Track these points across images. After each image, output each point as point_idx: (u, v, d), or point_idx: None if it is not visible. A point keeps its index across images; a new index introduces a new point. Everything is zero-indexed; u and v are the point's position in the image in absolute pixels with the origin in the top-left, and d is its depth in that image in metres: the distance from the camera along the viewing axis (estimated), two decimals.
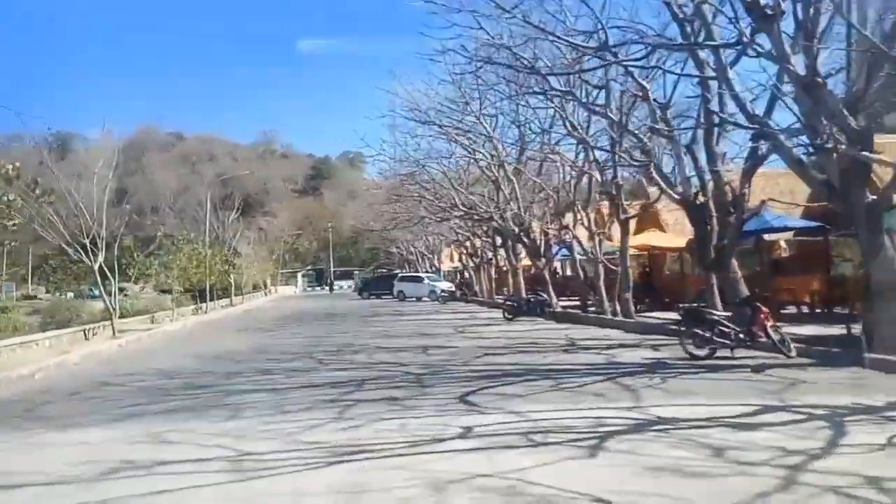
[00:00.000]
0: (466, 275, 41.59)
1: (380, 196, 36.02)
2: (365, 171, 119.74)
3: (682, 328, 10.99)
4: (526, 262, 29.44)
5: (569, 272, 31.13)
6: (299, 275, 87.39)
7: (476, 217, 27.58)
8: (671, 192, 12.98)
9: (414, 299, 42.31)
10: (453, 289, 39.96)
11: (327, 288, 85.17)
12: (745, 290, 12.45)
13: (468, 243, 36.16)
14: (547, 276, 23.44)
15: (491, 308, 29.75)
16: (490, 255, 33.63)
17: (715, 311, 10.90)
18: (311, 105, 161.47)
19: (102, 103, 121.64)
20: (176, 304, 34.80)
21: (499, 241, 30.65)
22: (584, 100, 16.63)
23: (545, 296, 22.24)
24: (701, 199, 12.66)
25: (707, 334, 10.53)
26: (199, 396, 9.12)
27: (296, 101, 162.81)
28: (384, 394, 8.62)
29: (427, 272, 48.38)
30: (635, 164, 13.67)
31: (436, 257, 51.30)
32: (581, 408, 7.22)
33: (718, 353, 10.55)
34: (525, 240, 23.81)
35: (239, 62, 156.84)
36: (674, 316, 17.71)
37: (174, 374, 11.68)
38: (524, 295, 25.51)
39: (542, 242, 23.69)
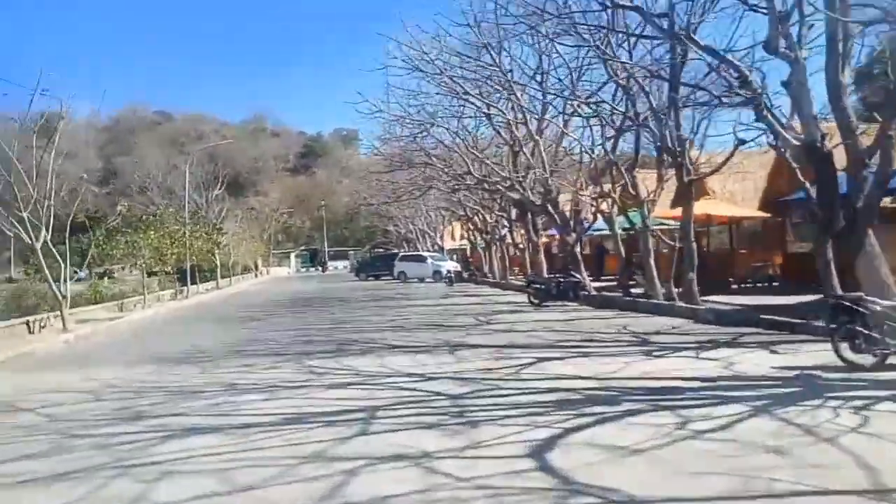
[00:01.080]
0: (474, 253, 38.16)
1: (378, 166, 32.25)
2: (359, 148, 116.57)
3: (834, 325, 7.67)
4: (542, 238, 26.24)
5: (587, 249, 27.87)
6: (292, 255, 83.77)
7: (489, 187, 24.12)
8: (788, 135, 9.55)
9: (416, 281, 38.99)
10: (459, 269, 36.61)
11: (320, 268, 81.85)
12: (885, 269, 9.12)
13: (476, 218, 32.64)
14: (579, 254, 20.09)
15: (506, 291, 26.45)
16: (503, 230, 30.20)
17: (880, 301, 7.57)
18: (302, 81, 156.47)
19: (88, 81, 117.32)
20: (160, 287, 31.42)
21: (513, 214, 27.29)
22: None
23: (578, 277, 18.92)
24: (828, 145, 9.25)
25: (876, 335, 7.24)
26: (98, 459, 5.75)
27: (286, 77, 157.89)
28: (408, 443, 5.24)
29: (429, 251, 44.93)
30: (735, 99, 10.17)
31: (438, 235, 47.78)
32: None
33: (890, 361, 7.29)
34: (552, 211, 20.40)
35: (227, 40, 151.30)
36: (744, 300, 14.56)
37: (104, 394, 8.31)
38: (547, 275, 22.29)
39: (573, 214, 20.33)
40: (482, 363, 9.05)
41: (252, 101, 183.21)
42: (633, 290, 17.88)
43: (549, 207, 20.39)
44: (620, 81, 15.49)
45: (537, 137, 20.03)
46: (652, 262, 16.46)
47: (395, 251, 55.09)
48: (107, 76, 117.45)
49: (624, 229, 24.74)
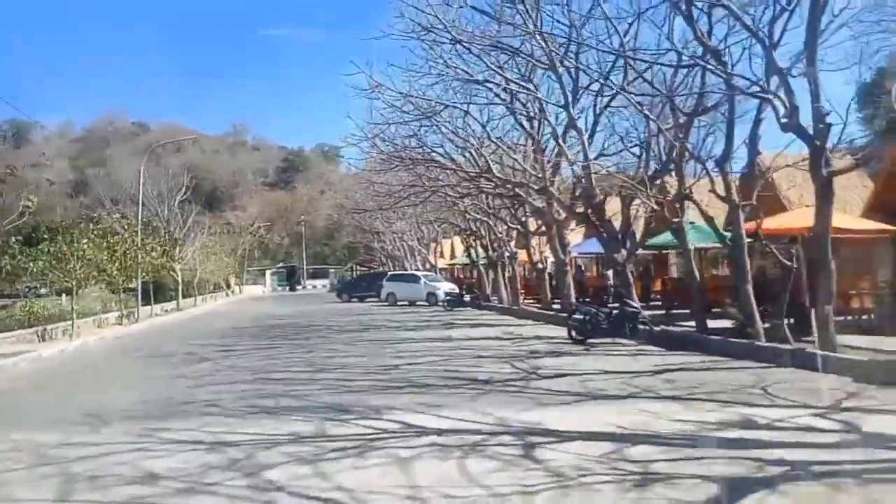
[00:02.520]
0: (474, 273, 33.44)
1: (362, 177, 27.42)
2: (342, 162, 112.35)
3: None
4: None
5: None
6: (268, 273, 78.49)
7: (509, 191, 19.58)
8: None
9: (406, 304, 34.26)
10: (456, 291, 31.98)
11: (295, 287, 76.68)
12: None
13: (481, 231, 28.00)
14: (630, 276, 15.61)
15: (522, 319, 21.86)
16: (512, 246, 25.66)
17: None
18: (283, 96, 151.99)
19: (62, 91, 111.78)
20: (110, 307, 26.29)
21: (531, 225, 22.88)
22: None
23: (634, 305, 14.42)
24: None
25: None
26: None
27: (267, 91, 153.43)
28: None
29: (419, 270, 40.21)
30: None
31: (430, 252, 43.11)
32: None
33: None
34: (596, 221, 15.91)
35: (207, 52, 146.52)
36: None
37: None
38: (576, 301, 17.83)
39: (623, 224, 15.91)
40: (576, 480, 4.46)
41: (232, 114, 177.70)
42: (708, 324, 13.42)
43: (593, 216, 15.92)
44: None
45: (579, 124, 15.59)
46: (749, 287, 12.02)
47: (381, 270, 50.38)
48: (82, 87, 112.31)
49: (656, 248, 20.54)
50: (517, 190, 19.31)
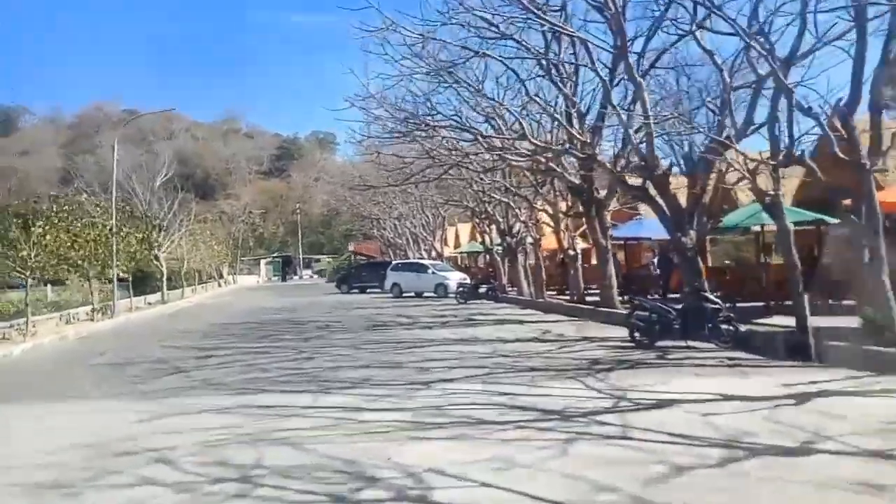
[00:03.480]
0: (489, 261, 30.40)
1: (374, 143, 24.33)
2: (338, 149, 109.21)
3: None
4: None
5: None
6: (262, 262, 75.47)
7: (542, 164, 16.52)
8: None
9: (412, 295, 31.33)
10: (468, 281, 29.03)
11: (291, 276, 73.70)
12: None
13: (496, 214, 24.90)
14: (701, 264, 12.68)
15: (550, 314, 18.99)
16: (534, 231, 22.67)
17: None
18: (276, 83, 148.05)
19: (52, 77, 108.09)
20: (97, 299, 23.27)
21: (562, 205, 19.91)
22: None
23: (713, 299, 11.51)
24: None
25: None
26: None
27: (261, 78, 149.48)
28: None
29: (425, 258, 37.21)
30: None
31: (436, 239, 40.04)
32: None
33: None
34: (658, 196, 12.95)
35: (201, 38, 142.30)
36: None
37: None
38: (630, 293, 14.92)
39: (689, 202, 12.95)
40: None
41: (225, 101, 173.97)
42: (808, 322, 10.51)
43: (654, 190, 12.96)
44: None
45: (640, 79, 12.54)
46: (886, 278, 9.13)
47: (382, 259, 47.41)
48: (72, 75, 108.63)
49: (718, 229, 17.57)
50: (551, 164, 16.29)
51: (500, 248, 28.06)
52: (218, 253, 46.88)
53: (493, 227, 26.27)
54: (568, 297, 21.38)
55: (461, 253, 43.09)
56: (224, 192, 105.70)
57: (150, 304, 31.12)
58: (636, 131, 13.46)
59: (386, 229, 49.85)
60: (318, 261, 79.79)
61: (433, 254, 39.37)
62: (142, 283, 33.60)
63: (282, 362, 11.16)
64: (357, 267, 42.26)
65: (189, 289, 41.69)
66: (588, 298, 20.12)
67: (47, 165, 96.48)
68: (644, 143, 12.66)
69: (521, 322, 17.15)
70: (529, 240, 23.16)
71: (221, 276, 56.42)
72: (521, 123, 15.55)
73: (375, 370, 9.94)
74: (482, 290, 25.51)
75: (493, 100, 16.01)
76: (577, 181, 16.72)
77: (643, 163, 12.88)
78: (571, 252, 19.71)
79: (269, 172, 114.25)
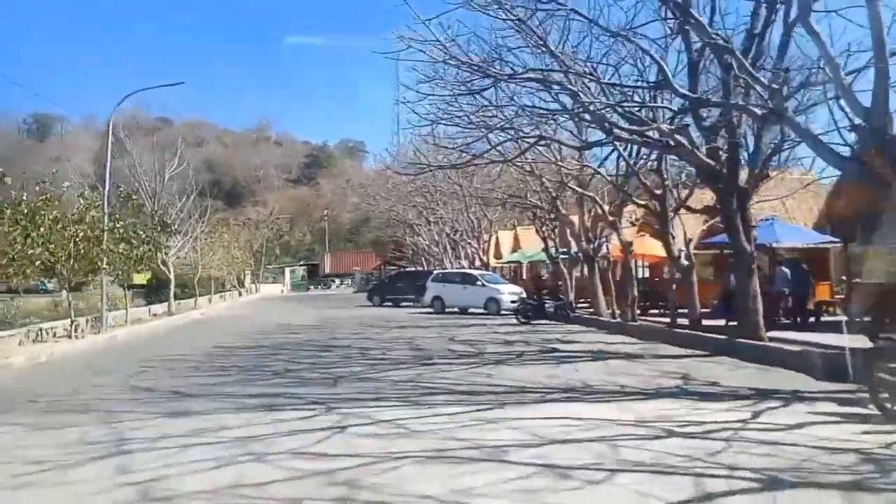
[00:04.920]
0: (555, 272, 25.40)
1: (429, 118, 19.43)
2: (366, 160, 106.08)
3: None
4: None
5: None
6: (287, 271, 71.52)
7: (662, 140, 11.60)
8: None
9: (456, 310, 26.64)
10: (523, 295, 24.26)
11: (321, 286, 69.57)
12: None
13: (568, 214, 20.03)
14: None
15: (651, 342, 14.16)
16: (622, 235, 17.79)
17: None
18: (307, 92, 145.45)
19: (86, 85, 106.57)
20: (72, 311, 19.12)
21: (673, 196, 15.03)
22: None
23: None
24: None
25: None
26: None
27: (292, 89, 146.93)
28: None
29: (470, 269, 32.45)
30: None
31: (482, 247, 35.24)
32: None
33: None
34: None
35: (233, 52, 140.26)
36: None
37: None
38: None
39: None
40: None
41: (256, 110, 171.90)
42: None
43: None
44: None
45: None
46: None
47: (420, 269, 42.76)
48: (105, 82, 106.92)
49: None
50: (678, 136, 11.48)
51: (564, 256, 23.27)
52: (238, 259, 42.76)
53: (567, 229, 21.30)
54: (668, 321, 16.53)
55: (506, 263, 38.22)
56: (252, 199, 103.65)
57: (154, 315, 26.94)
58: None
59: (420, 235, 45.31)
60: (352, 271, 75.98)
61: (476, 263, 34.65)
62: (157, 292, 29.71)
63: (293, 437, 6.52)
64: (391, 277, 37.77)
65: (204, 298, 37.65)
66: (680, 321, 15.36)
67: (79, 171, 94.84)
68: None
69: (629, 357, 12.34)
70: (613, 245, 18.28)
71: (242, 285, 52.38)
72: (662, 67, 10.64)
73: (464, 468, 5.28)
74: (549, 307, 20.60)
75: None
76: (711, 162, 11.88)
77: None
78: (685, 262, 14.79)
79: (298, 180, 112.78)
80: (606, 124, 11.44)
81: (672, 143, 11.69)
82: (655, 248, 21.05)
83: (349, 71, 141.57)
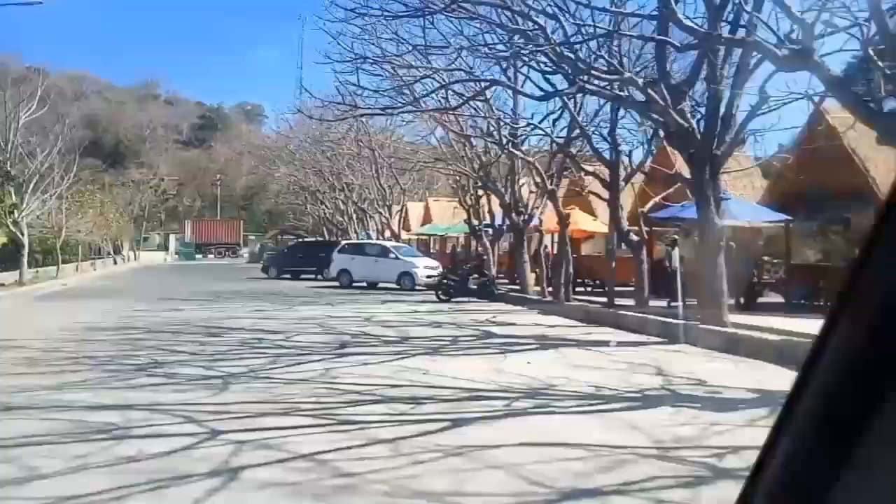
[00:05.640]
0: (478, 247, 23.35)
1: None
2: (264, 124, 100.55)
3: None
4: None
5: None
6: (172, 238, 65.87)
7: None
8: None
9: (365, 285, 24.21)
10: (439, 270, 22.21)
11: (213, 256, 64.65)
12: None
13: (498, 184, 18.02)
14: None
15: (597, 326, 12.55)
16: (560, 205, 16.01)
17: None
18: (201, 49, 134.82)
19: None
20: None
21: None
22: None
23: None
24: None
25: None
26: None
27: (186, 44, 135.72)
28: None
29: (383, 240, 29.94)
30: None
31: (394, 217, 32.71)
32: None
33: None
34: None
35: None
36: None
37: None
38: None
39: None
40: None
41: (144, 66, 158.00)
42: None
43: None
44: None
45: None
46: None
47: (323, 239, 39.75)
48: None
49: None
50: (653, 93, 9.64)
51: (489, 230, 21.40)
52: (113, 223, 37.95)
53: (498, 199, 19.13)
54: (604, 300, 15.02)
55: (416, 236, 35.99)
56: (137, 160, 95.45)
57: (2, 285, 22.64)
58: None
59: (324, 203, 42.17)
60: (246, 240, 70.94)
61: (386, 234, 32.23)
62: (13, 258, 25.09)
63: (155, 498, 4.06)
64: (291, 247, 34.55)
65: (72, 266, 32.93)
66: (619, 301, 13.95)
67: None
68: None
69: (580, 344, 10.57)
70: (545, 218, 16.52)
71: (119, 252, 47.07)
72: None
73: None
74: (472, 285, 18.59)
75: None
76: (685, 123, 10.17)
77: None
78: (635, 237, 13.19)
79: (189, 143, 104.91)
80: (578, 65, 9.37)
81: (646, 98, 9.84)
82: (585, 222, 19.65)
83: (246, 29, 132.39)
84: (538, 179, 15.98)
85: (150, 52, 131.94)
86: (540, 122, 14.86)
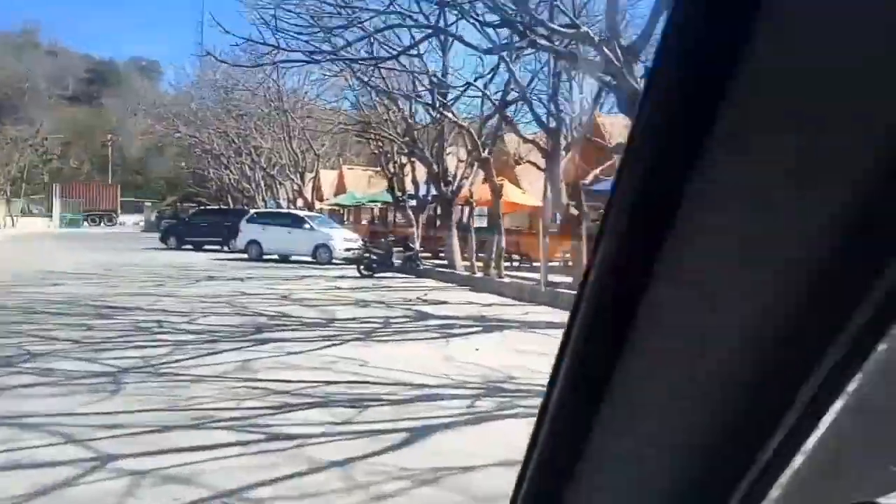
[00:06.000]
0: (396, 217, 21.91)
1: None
2: (161, 81, 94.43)
3: None
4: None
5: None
6: (56, 202, 60.41)
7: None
8: None
9: (276, 258, 22.51)
10: (359, 242, 20.89)
11: (102, 223, 59.83)
12: None
13: (425, 150, 16.87)
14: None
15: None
16: (492, 174, 15.09)
17: None
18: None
19: None
20: None
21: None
22: None
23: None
24: None
25: None
26: None
27: None
28: None
29: (295, 209, 28.01)
30: None
31: (305, 185, 30.71)
32: None
33: None
34: None
35: None
36: None
37: None
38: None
39: None
40: None
41: (21, 10, 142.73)
42: None
43: None
44: None
45: None
46: None
47: (229, 207, 37.16)
48: None
49: None
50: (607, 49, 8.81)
51: (412, 201, 20.23)
52: None
53: (424, 167, 17.93)
54: (537, 277, 14.35)
55: (334, 206, 34.21)
56: (14, 115, 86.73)
57: None
58: None
59: (229, 168, 39.39)
60: (141, 206, 65.81)
61: (299, 203, 30.31)
62: None
63: None
64: (193, 215, 31.93)
65: None
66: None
67: None
68: None
69: (525, 326, 9.76)
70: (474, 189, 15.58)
71: None
72: None
73: None
74: (396, 260, 17.35)
75: None
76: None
77: None
78: (574, 211, 12.49)
79: (76, 98, 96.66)
80: (533, 17, 8.33)
81: (601, 58, 8.99)
82: (514, 195, 18.95)
83: None
84: (469, 147, 14.97)
85: None
86: (475, 81, 13.79)
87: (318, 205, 32.80)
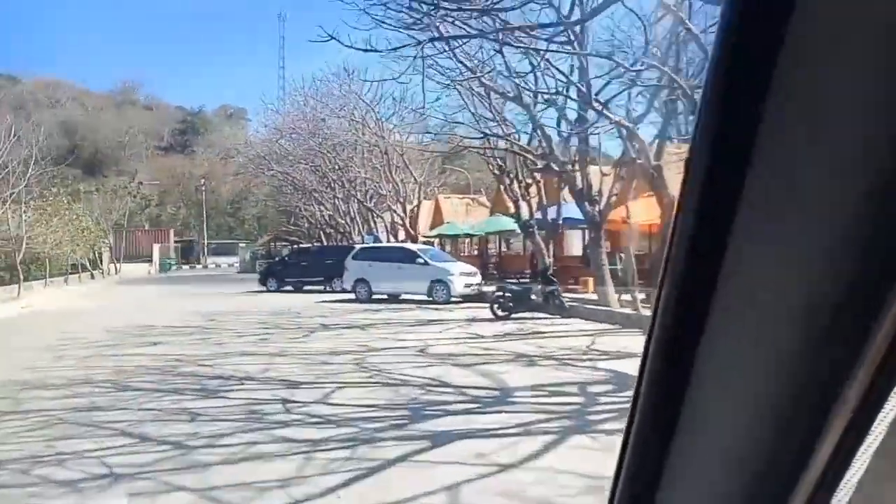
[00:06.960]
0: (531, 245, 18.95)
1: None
2: (248, 127, 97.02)
3: None
4: None
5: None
6: (156, 248, 61.46)
7: None
8: None
9: (386, 297, 20.14)
10: (478, 276, 18.10)
11: (198, 266, 60.26)
12: None
13: (567, 166, 13.89)
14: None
15: None
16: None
17: None
18: (180, 53, 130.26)
19: None
20: None
21: None
22: None
23: None
24: None
25: None
26: None
27: (163, 46, 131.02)
28: None
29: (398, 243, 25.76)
30: None
31: (407, 215, 28.41)
32: None
33: None
34: None
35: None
36: None
37: None
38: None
39: None
40: None
41: (121, 70, 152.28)
42: None
43: None
44: None
45: None
46: None
47: (330, 244, 35.47)
48: None
49: None
50: None
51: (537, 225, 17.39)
52: (90, 233, 33.69)
53: (566, 186, 14.97)
54: None
55: (439, 237, 31.68)
56: (116, 168, 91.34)
57: None
58: None
59: (323, 204, 37.91)
60: (234, 248, 66.30)
61: (401, 237, 28.12)
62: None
63: None
64: (292, 254, 30.18)
65: (40, 282, 28.77)
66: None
67: None
68: None
69: None
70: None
71: (97, 266, 42.56)
72: None
73: None
74: (535, 296, 14.35)
75: None
76: None
77: None
78: None
79: (171, 148, 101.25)
80: None
81: None
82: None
83: (227, 32, 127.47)
84: (631, 154, 11.98)
85: (126, 56, 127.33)
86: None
87: (421, 237, 30.51)
